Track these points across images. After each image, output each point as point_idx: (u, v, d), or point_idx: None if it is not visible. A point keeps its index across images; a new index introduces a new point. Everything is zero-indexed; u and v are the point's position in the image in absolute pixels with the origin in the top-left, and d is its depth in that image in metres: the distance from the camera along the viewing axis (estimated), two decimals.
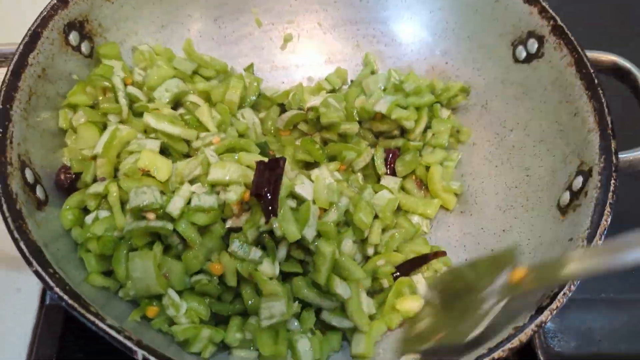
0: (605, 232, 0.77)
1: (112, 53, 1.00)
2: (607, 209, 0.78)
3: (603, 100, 0.87)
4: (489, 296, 0.70)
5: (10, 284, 0.95)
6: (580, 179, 0.85)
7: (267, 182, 0.77)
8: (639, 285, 1.03)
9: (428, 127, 1.06)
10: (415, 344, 0.79)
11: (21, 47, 0.85)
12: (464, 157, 1.08)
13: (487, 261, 0.79)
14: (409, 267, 0.94)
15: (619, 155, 0.84)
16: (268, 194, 0.77)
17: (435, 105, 1.06)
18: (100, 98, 0.92)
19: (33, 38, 0.86)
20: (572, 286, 0.73)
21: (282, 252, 0.81)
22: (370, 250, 0.94)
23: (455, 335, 0.71)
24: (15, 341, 0.90)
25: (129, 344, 0.65)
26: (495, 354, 0.69)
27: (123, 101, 0.92)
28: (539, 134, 0.98)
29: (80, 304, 0.66)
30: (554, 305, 0.72)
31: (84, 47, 0.96)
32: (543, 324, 0.71)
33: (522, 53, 1.01)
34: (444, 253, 0.96)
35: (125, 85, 0.96)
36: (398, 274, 0.94)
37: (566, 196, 0.87)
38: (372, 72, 1.13)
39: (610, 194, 0.79)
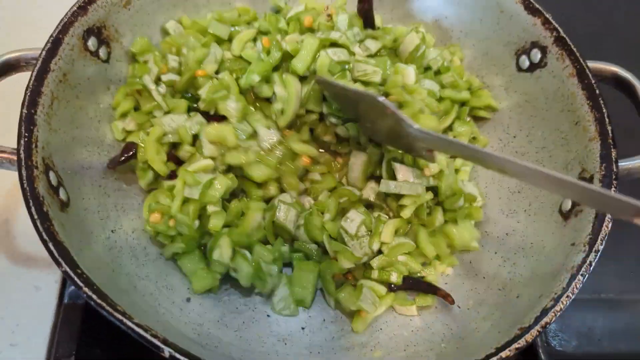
0: (606, 237, 0.80)
1: (145, 48, 1.03)
2: (608, 215, 0.82)
3: (604, 110, 0.91)
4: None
5: (29, 282, 0.97)
6: None
7: None
8: (639, 286, 1.07)
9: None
10: None
11: (44, 53, 0.87)
12: None
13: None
14: (411, 285, 0.97)
15: (619, 164, 0.87)
16: None
17: (463, 107, 1.10)
18: (140, 98, 0.98)
19: (55, 44, 0.88)
20: (575, 288, 0.76)
21: None
22: (375, 245, 0.96)
23: None
24: (34, 339, 0.92)
25: (155, 341, 0.68)
26: (503, 354, 0.72)
27: (158, 98, 0.98)
28: (541, 141, 1.02)
29: (108, 303, 0.69)
30: (558, 307, 0.75)
31: (102, 52, 0.98)
32: (547, 325, 0.75)
33: (525, 62, 1.05)
34: (452, 300, 0.94)
35: (160, 77, 1.01)
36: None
37: (568, 202, 0.90)
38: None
39: None
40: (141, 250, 0.94)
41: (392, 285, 0.96)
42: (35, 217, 0.74)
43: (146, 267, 0.92)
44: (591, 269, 0.79)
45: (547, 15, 1.01)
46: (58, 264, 0.71)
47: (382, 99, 0.83)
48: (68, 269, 0.71)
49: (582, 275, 0.78)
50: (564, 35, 0.98)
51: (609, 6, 1.51)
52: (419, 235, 0.96)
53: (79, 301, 0.96)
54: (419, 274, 0.98)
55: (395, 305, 0.96)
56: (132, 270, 0.89)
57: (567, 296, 0.76)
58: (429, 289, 0.95)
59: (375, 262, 0.95)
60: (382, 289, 0.94)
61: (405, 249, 0.96)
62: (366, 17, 1.12)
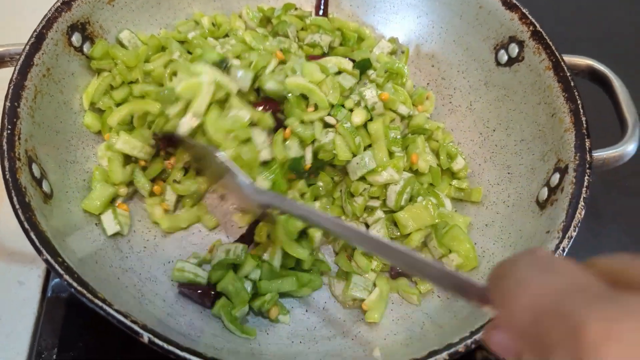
0: (579, 224, 0.82)
1: (105, 53, 1.03)
2: (581, 203, 0.84)
3: (579, 102, 0.92)
4: None
5: (13, 277, 0.97)
6: (557, 176, 0.90)
7: None
8: None
9: None
10: None
11: (27, 47, 0.88)
12: None
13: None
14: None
15: (594, 154, 0.89)
16: None
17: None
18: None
19: (38, 39, 0.90)
20: None
21: None
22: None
23: None
24: (18, 332, 0.92)
25: (135, 327, 0.69)
26: (477, 336, 0.74)
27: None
28: (519, 133, 1.04)
29: (88, 291, 0.70)
30: None
31: (86, 47, 0.99)
32: None
33: (503, 57, 1.07)
34: None
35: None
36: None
37: (544, 192, 0.92)
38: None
39: (584, 189, 0.85)
40: (125, 242, 0.95)
41: (392, 272, 0.98)
42: (17, 207, 0.75)
43: (130, 259, 0.93)
44: (564, 254, 0.80)
45: (524, 10, 1.03)
46: (39, 252, 0.72)
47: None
48: (49, 257, 0.72)
49: None
50: (540, 30, 1.00)
51: (584, 2, 1.54)
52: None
53: (62, 294, 0.97)
54: None
55: (400, 292, 0.97)
56: (116, 262, 0.91)
57: None
58: None
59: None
60: (366, 264, 0.96)
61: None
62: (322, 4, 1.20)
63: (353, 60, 1.08)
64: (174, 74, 0.95)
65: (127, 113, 0.99)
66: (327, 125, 0.98)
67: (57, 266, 0.71)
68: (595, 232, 1.14)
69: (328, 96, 0.98)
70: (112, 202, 0.98)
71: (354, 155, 0.97)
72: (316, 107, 0.98)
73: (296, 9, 1.21)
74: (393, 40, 1.20)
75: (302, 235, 0.95)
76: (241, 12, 1.19)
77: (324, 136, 0.97)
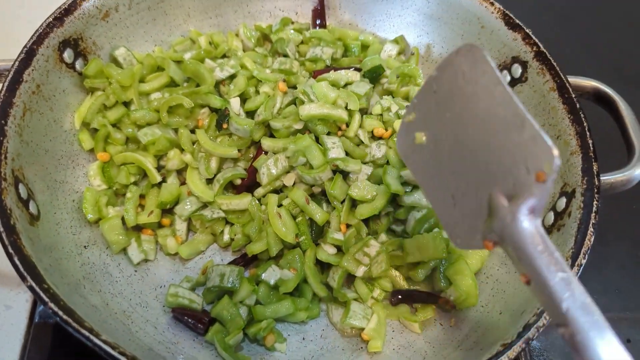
0: (589, 251, 0.79)
1: (99, 71, 1.00)
2: (590, 229, 0.81)
3: (585, 124, 0.90)
4: None
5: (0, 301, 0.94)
6: (563, 200, 0.88)
7: None
8: (624, 304, 1.06)
9: None
10: None
11: (17, 63, 0.85)
12: None
13: None
14: (412, 296, 0.95)
15: (601, 177, 0.87)
16: None
17: None
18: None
19: (28, 55, 0.87)
20: None
21: None
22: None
23: None
24: (3, 358, 0.89)
25: (123, 359, 0.65)
26: None
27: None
28: None
29: (74, 320, 0.67)
30: (540, 323, 0.73)
31: (78, 64, 0.97)
32: (530, 341, 0.73)
33: (506, 78, 1.05)
34: (453, 305, 0.92)
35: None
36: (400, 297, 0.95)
37: (550, 216, 0.89)
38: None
39: (593, 215, 0.82)
40: (115, 266, 0.92)
41: (393, 299, 0.94)
42: (1, 230, 0.71)
43: (120, 283, 0.90)
44: None
45: (527, 31, 1.01)
46: (23, 279, 0.68)
47: None
48: (34, 284, 0.68)
49: None
50: (544, 50, 0.98)
51: (587, 24, 1.53)
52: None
53: (49, 320, 0.93)
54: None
55: (401, 319, 0.94)
56: (105, 287, 0.87)
57: None
58: (429, 298, 0.93)
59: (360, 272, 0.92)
60: (367, 293, 0.93)
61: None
62: (319, 17, 1.20)
63: (359, 69, 1.06)
64: (170, 107, 0.97)
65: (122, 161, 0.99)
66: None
67: (41, 293, 0.68)
68: (599, 254, 1.11)
69: (348, 106, 0.99)
70: (137, 229, 0.97)
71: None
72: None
73: (293, 22, 1.19)
74: (399, 39, 1.17)
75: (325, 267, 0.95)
76: (238, 31, 1.16)
77: (377, 150, 0.98)
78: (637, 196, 1.18)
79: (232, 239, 0.98)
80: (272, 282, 0.89)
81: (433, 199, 0.72)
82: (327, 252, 0.94)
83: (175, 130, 1.00)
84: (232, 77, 1.05)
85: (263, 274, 0.90)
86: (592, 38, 1.47)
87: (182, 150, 0.99)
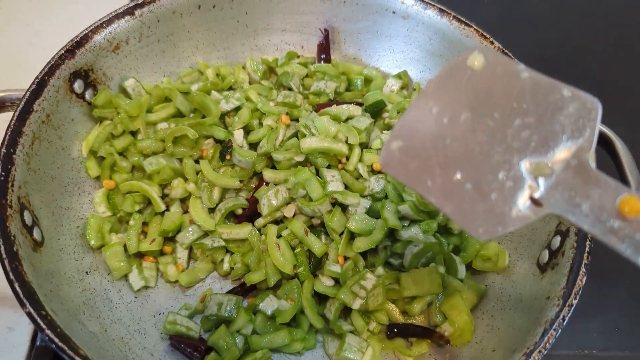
0: (580, 291, 0.79)
1: (108, 101, 1.03)
2: (582, 269, 0.81)
3: None
4: None
5: (2, 322, 0.95)
6: (558, 239, 0.88)
7: None
8: (624, 343, 1.05)
9: None
10: None
11: (28, 93, 0.89)
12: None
13: None
14: (407, 330, 0.95)
15: None
16: None
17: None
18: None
19: (40, 85, 0.90)
20: (547, 343, 0.75)
21: None
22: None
23: None
24: None
25: None
26: None
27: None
28: None
29: (69, 347, 0.68)
30: None
31: (88, 94, 1.00)
32: None
33: None
34: (448, 340, 0.93)
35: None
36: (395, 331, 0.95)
37: (545, 254, 0.90)
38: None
39: (585, 255, 0.82)
40: (115, 292, 0.93)
41: (389, 332, 0.95)
42: (4, 256, 0.73)
43: (119, 310, 0.91)
44: (564, 323, 0.77)
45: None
46: (22, 305, 0.70)
47: None
48: (32, 310, 0.70)
49: (554, 330, 0.76)
50: None
51: (587, 62, 1.54)
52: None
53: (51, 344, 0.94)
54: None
55: (396, 353, 0.94)
56: (105, 313, 0.89)
57: (539, 351, 0.74)
58: (424, 332, 0.94)
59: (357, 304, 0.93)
60: (363, 325, 0.93)
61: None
62: (324, 51, 1.23)
63: (360, 104, 1.09)
64: (176, 137, 1.00)
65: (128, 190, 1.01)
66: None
67: (39, 320, 0.69)
68: (600, 292, 1.11)
69: (348, 140, 1.02)
70: (139, 256, 0.99)
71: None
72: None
73: (299, 56, 1.22)
74: (402, 74, 1.20)
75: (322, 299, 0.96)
76: (245, 64, 1.19)
77: (376, 184, 1.00)
78: None
79: (231, 268, 1.00)
80: (269, 312, 0.90)
81: (440, 200, 0.71)
82: (324, 283, 0.95)
83: (180, 160, 1.02)
84: (237, 109, 1.07)
85: (261, 304, 0.91)
86: (589, 76, 1.48)
87: (185, 179, 1.02)
